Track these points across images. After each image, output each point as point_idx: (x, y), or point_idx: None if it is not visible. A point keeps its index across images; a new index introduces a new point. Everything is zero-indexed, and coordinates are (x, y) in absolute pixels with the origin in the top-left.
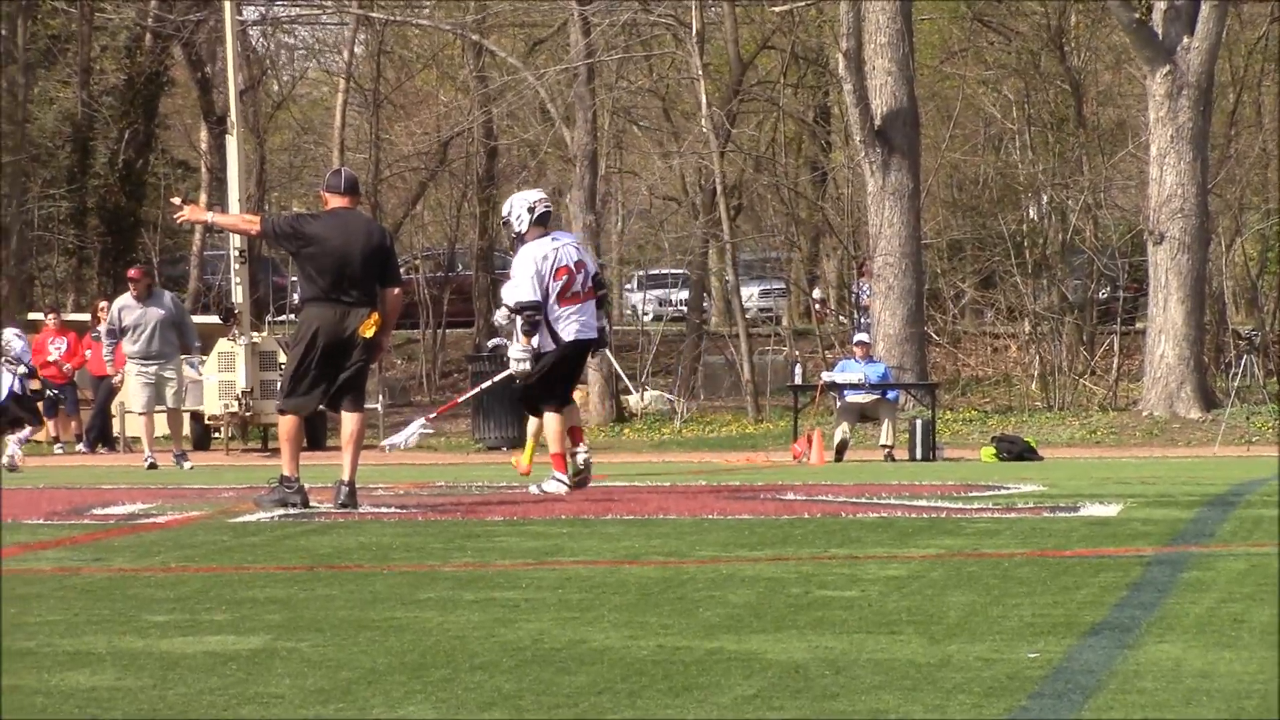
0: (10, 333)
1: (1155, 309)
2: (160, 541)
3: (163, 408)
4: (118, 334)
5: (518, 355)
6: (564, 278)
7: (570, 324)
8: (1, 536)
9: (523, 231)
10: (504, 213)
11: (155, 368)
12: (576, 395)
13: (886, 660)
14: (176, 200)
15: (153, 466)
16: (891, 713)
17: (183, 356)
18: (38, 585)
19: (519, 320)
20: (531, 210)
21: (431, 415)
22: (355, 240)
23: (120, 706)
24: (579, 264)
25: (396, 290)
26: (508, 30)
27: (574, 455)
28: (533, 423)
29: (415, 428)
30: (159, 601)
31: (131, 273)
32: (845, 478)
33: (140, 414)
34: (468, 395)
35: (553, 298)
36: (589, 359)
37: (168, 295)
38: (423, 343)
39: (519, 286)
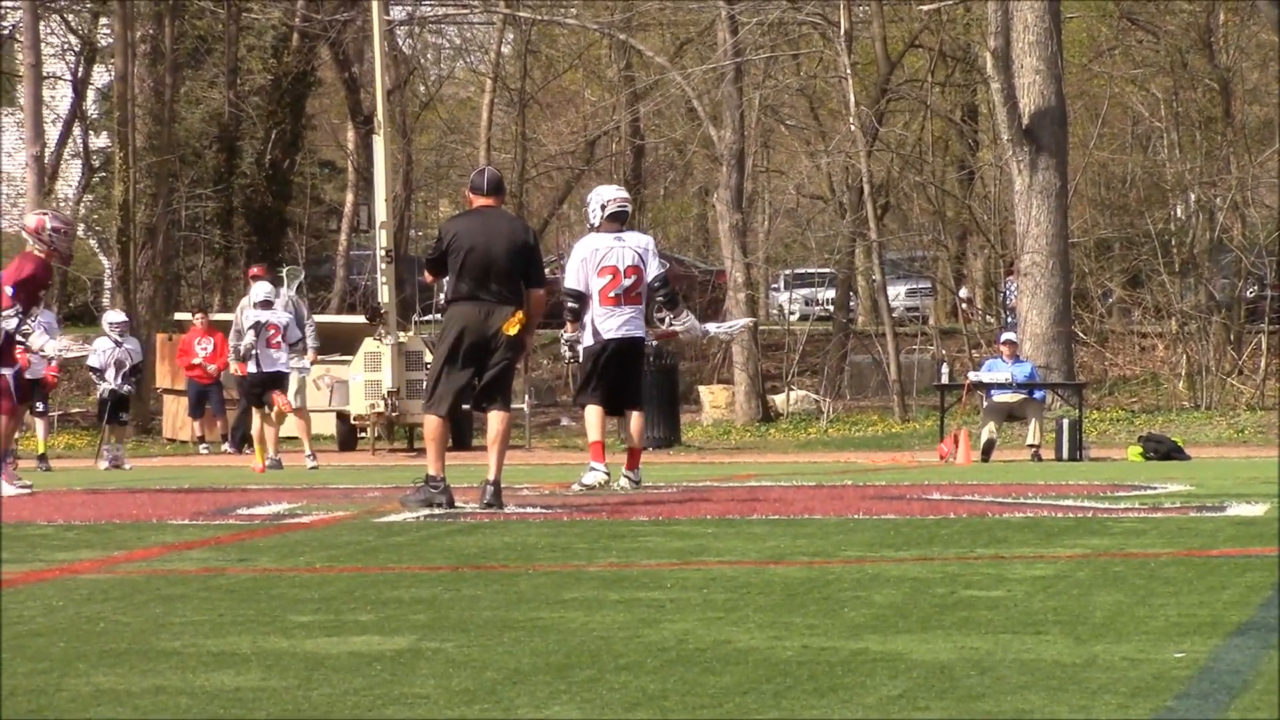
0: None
1: None
2: (305, 542)
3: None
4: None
5: (563, 340)
6: (607, 277)
7: (606, 323)
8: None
9: (595, 225)
10: (587, 200)
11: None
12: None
13: (1032, 660)
14: None
15: (272, 466)
16: (1037, 713)
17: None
18: (182, 586)
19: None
20: (604, 208)
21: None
22: (498, 239)
23: (265, 707)
24: (632, 269)
25: (541, 289)
26: (655, 29)
27: (623, 477)
28: (255, 422)
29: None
30: (304, 602)
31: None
32: (991, 477)
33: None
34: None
35: (595, 295)
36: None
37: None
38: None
39: (567, 274)
